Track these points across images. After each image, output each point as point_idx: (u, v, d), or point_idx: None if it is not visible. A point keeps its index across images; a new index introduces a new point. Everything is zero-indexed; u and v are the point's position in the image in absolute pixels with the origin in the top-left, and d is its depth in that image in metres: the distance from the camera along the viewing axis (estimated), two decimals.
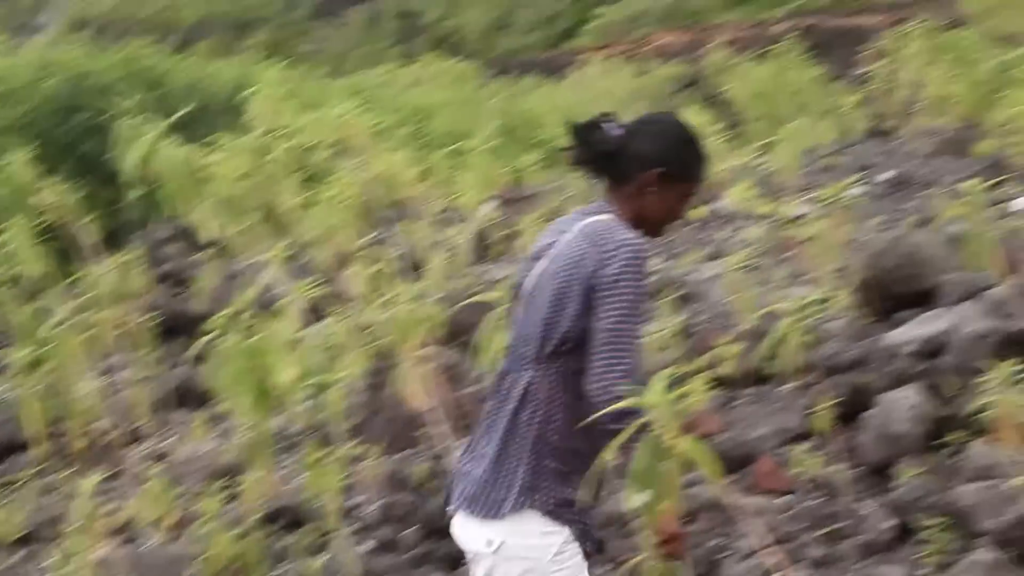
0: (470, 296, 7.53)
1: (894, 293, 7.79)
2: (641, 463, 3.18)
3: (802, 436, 6.56)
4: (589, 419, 3.29)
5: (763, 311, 7.21)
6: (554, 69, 30.83)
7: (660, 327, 7.98)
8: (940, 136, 13.33)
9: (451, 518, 3.69)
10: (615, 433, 3.23)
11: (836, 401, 6.29)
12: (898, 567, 5.26)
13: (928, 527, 5.32)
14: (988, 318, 6.80)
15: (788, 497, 6.13)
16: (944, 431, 6.11)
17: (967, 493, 5.36)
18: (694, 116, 17.58)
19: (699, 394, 6.85)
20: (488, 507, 3.45)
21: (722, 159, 13.46)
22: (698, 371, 7.16)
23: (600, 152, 3.57)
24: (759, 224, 10.66)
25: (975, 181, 7.58)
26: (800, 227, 8.85)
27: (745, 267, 8.97)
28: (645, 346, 7.21)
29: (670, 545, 3.37)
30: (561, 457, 3.47)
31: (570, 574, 3.46)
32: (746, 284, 8.38)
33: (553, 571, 3.42)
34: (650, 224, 3.62)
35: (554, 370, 3.45)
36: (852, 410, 6.46)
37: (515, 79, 29.62)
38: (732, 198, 11.59)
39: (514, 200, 13.02)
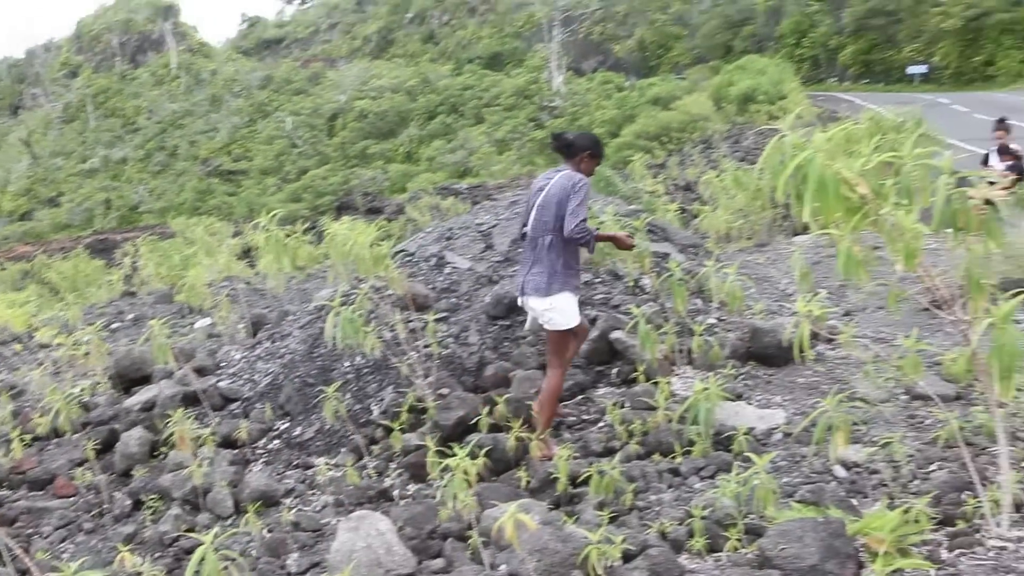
0: None
1: (130, 379, 8.00)
2: None
3: (81, 463, 6.66)
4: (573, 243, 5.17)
5: (63, 395, 6.95)
6: None
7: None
8: (157, 294, 14.64)
9: (523, 299, 5.42)
10: (584, 243, 5.15)
11: (100, 440, 6.67)
12: (132, 525, 5.66)
13: (149, 500, 5.83)
14: (175, 387, 7.28)
15: (74, 498, 6.25)
16: (157, 448, 6.62)
17: (167, 479, 5.91)
18: (30, 290, 17.98)
19: (18, 447, 6.68)
20: (545, 291, 5.22)
21: (39, 315, 13.69)
22: (22, 433, 6.94)
23: (565, 143, 5.39)
24: (59, 349, 10.18)
25: (166, 318, 8.10)
26: (82, 347, 8.64)
27: (52, 372, 9.15)
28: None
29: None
30: (569, 267, 5.28)
31: (575, 307, 5.30)
32: (52, 382, 8.42)
33: (571, 308, 5.26)
34: (584, 174, 5.30)
35: (559, 234, 5.16)
36: (109, 444, 6.77)
37: None
38: (41, 335, 11.25)
39: None
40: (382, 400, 6.45)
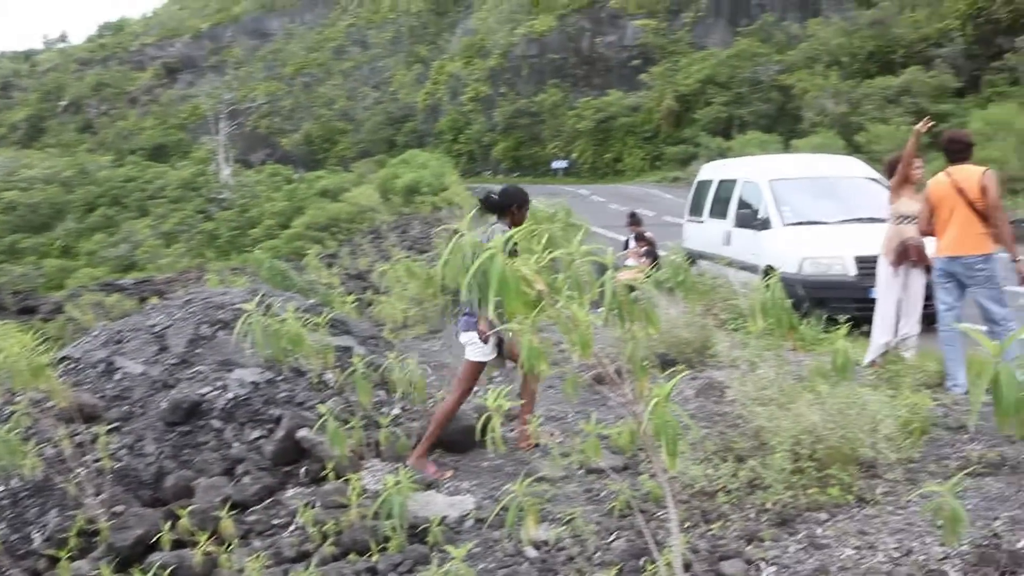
0: None
1: None
2: None
3: None
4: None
5: None
6: None
7: None
8: None
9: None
10: None
11: None
12: None
13: None
14: None
15: None
16: None
17: None
18: None
19: None
20: (465, 327, 5.84)
21: None
22: None
23: (492, 204, 5.86)
24: None
25: None
26: None
27: None
28: None
29: None
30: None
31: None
32: None
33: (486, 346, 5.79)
34: (515, 224, 5.68)
35: None
36: None
37: None
38: None
39: None
40: (45, 526, 5.66)
